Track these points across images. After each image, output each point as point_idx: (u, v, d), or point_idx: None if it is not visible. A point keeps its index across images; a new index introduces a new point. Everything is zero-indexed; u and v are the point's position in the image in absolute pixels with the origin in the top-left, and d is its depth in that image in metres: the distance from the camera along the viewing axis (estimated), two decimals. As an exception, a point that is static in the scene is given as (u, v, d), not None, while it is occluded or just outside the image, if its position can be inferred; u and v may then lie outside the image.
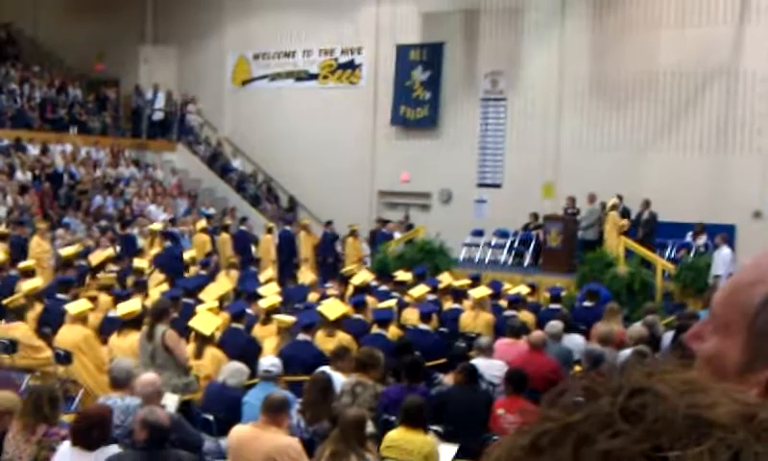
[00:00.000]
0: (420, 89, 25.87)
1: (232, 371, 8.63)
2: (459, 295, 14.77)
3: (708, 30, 21.73)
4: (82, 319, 11.20)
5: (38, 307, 12.65)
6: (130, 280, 15.36)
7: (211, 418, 8.31)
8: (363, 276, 16.16)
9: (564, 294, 16.00)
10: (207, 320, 10.39)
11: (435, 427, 7.96)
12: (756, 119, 21.29)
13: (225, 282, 15.65)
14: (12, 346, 11.15)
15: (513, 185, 24.18)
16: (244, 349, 10.28)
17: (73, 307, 11.40)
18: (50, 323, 11.93)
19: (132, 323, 10.38)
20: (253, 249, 22.08)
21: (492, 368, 9.98)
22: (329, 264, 22.42)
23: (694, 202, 21.08)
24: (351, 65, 27.47)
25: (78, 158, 25.45)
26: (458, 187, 25.23)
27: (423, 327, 12.21)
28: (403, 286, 15.60)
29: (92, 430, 6.04)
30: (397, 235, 22.72)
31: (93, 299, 12.65)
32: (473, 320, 13.37)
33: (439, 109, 25.75)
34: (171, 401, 8.13)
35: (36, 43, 30.58)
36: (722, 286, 1.13)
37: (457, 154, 24.98)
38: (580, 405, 0.80)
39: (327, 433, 6.97)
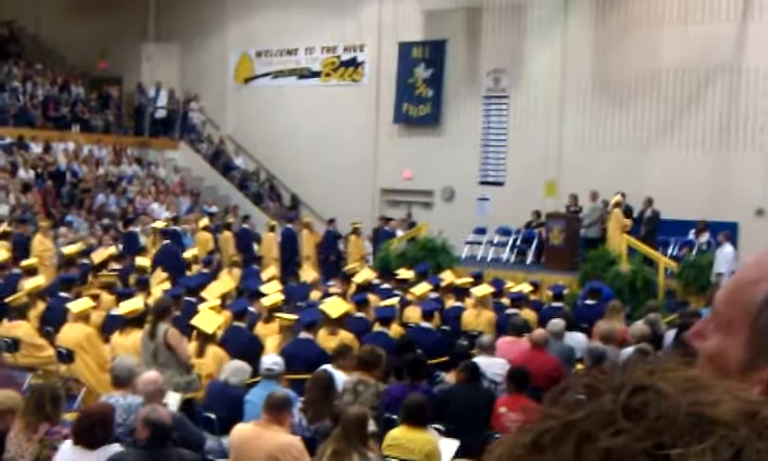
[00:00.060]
0: (422, 87, 25.87)
1: (234, 369, 8.63)
2: (461, 293, 14.78)
3: (710, 27, 21.71)
4: (84, 317, 11.22)
5: (41, 306, 12.67)
6: (132, 279, 15.38)
7: (213, 416, 8.31)
8: (365, 274, 16.18)
9: (566, 292, 16.01)
10: (209, 318, 10.40)
11: (437, 426, 7.95)
12: (759, 116, 21.28)
13: (227, 281, 15.67)
14: (14, 344, 11.18)
15: (515, 183, 24.17)
16: (246, 347, 10.29)
17: (75, 306, 11.42)
18: (52, 321, 11.95)
19: (134, 321, 10.39)
20: (256, 247, 22.09)
21: (493, 366, 9.98)
22: (332, 262, 22.43)
23: (697, 199, 21.07)
24: (354, 63, 27.48)
25: (80, 157, 25.47)
26: (460, 185, 25.23)
27: (425, 325, 12.22)
28: (405, 284, 15.61)
29: (94, 429, 6.05)
30: (400, 233, 22.73)
31: (95, 297, 12.68)
32: (475, 318, 13.37)
33: (441, 106, 25.74)
34: (173, 400, 8.14)
35: (38, 41, 30.60)
36: (724, 284, 1.13)
37: (459, 151, 24.98)
38: (582, 403, 0.80)
39: (329, 432, 6.97)
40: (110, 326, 11.43)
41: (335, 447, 6.43)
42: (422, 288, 14.68)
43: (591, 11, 23.40)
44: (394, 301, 13.57)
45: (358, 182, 26.47)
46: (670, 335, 11.46)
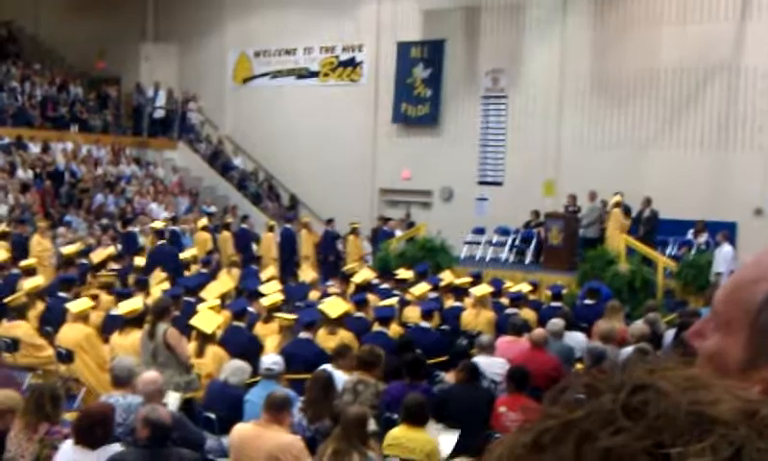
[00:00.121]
0: (421, 87, 25.86)
1: (234, 369, 8.63)
2: (460, 293, 14.77)
3: (709, 26, 21.71)
4: (83, 317, 11.22)
5: (40, 306, 12.67)
6: (131, 279, 15.37)
7: (213, 416, 8.31)
8: (364, 274, 16.16)
9: (565, 292, 16.00)
10: (209, 318, 10.40)
11: (436, 425, 7.95)
12: (758, 116, 21.28)
13: (226, 281, 15.66)
14: (13, 344, 11.17)
15: (514, 183, 24.17)
16: (245, 347, 10.28)
17: (74, 306, 11.41)
18: (51, 321, 11.95)
19: (133, 321, 10.38)
20: (255, 247, 22.09)
21: (493, 366, 9.99)
22: (330, 262, 22.42)
23: (695, 199, 21.07)
24: (352, 63, 27.47)
25: (79, 157, 25.45)
26: (459, 185, 25.23)
27: (425, 324, 12.21)
28: (404, 284, 15.59)
29: (94, 429, 6.05)
30: (399, 233, 22.72)
31: (95, 297, 12.68)
32: (475, 318, 13.37)
33: (440, 106, 25.74)
34: (173, 400, 8.14)
35: (36, 41, 30.59)
36: (723, 284, 1.13)
37: (458, 151, 24.98)
38: (581, 402, 0.80)
39: (329, 431, 6.97)
40: (110, 326, 11.43)
41: (335, 446, 6.43)
42: (422, 288, 14.67)
43: (590, 10, 23.40)
44: (393, 300, 13.56)
45: (357, 182, 26.46)
46: (669, 335, 11.46)
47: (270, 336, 10.94)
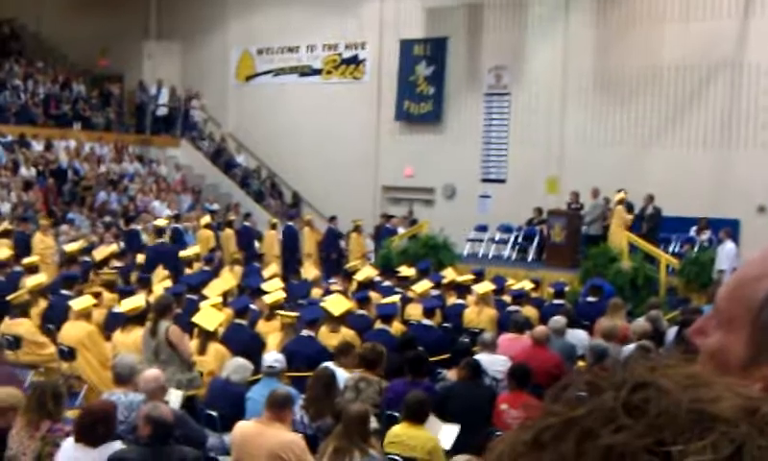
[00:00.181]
0: (423, 84, 25.85)
1: (236, 367, 8.64)
2: (462, 290, 14.78)
3: (712, 24, 21.69)
4: (85, 315, 11.22)
5: (42, 303, 12.68)
6: (133, 276, 15.39)
7: (215, 414, 8.32)
8: (366, 271, 16.17)
9: (567, 289, 16.01)
10: (211, 316, 10.41)
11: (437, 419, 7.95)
12: (761, 113, 21.26)
13: (228, 278, 15.67)
14: (15, 342, 11.18)
15: (516, 180, 24.17)
16: (247, 344, 10.29)
17: (77, 303, 11.42)
18: (54, 319, 11.96)
19: (135, 319, 10.39)
20: (257, 245, 22.09)
21: (495, 363, 9.99)
22: (333, 260, 22.42)
23: (698, 196, 21.06)
24: (355, 60, 27.47)
25: (82, 154, 25.47)
26: (462, 182, 25.23)
27: (427, 322, 12.22)
28: (407, 282, 15.60)
29: (96, 426, 6.05)
30: (401, 231, 22.73)
31: (97, 295, 12.67)
32: (477, 315, 13.38)
33: (443, 103, 25.73)
34: (175, 397, 8.15)
35: (39, 39, 30.61)
36: (726, 281, 1.13)
37: (461, 149, 24.98)
38: (583, 400, 0.80)
39: (331, 429, 6.97)
40: (112, 323, 11.45)
41: (337, 444, 6.43)
42: (424, 285, 14.68)
43: (592, 7, 23.38)
44: (395, 298, 13.57)
45: (359, 180, 26.47)
46: (672, 332, 11.45)
47: (272, 334, 10.95)
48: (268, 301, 12.09)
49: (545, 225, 21.31)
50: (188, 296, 12.46)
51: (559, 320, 11.52)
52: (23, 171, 23.31)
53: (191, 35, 29.70)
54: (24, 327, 11.55)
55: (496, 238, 22.90)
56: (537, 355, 9.87)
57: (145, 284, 13.71)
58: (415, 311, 13.32)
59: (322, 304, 11.69)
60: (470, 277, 15.95)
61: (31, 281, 13.06)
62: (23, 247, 17.40)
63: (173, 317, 9.92)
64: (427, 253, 19.80)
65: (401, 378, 8.70)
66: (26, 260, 15.19)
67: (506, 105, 24.73)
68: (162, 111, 28.92)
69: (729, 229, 18.65)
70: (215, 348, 9.99)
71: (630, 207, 20.06)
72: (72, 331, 10.95)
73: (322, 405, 7.72)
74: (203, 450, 7.18)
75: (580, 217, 20.65)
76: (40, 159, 24.11)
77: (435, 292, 14.72)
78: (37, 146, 24.87)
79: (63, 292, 12.87)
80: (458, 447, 7.38)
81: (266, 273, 16.29)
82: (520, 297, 14.35)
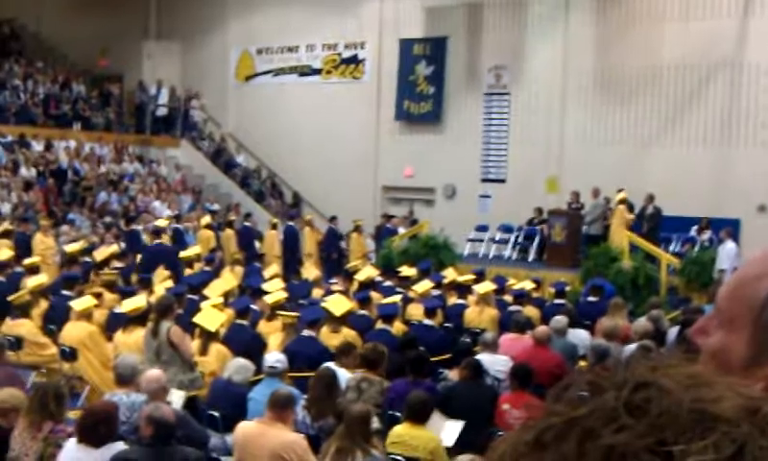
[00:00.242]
0: (423, 84, 25.84)
1: (237, 367, 8.64)
2: (463, 290, 14.77)
3: (711, 23, 21.68)
4: (87, 315, 11.22)
5: (44, 304, 12.68)
6: (134, 277, 15.38)
7: (217, 414, 8.32)
8: (367, 271, 16.17)
9: (568, 289, 15.99)
10: (212, 316, 10.41)
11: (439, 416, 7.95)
12: (761, 112, 21.25)
13: (229, 278, 15.67)
14: (17, 343, 11.18)
15: (517, 180, 24.16)
16: (249, 345, 10.29)
17: (78, 304, 11.42)
18: (55, 319, 11.96)
19: (136, 319, 10.39)
20: (258, 245, 22.08)
21: (496, 363, 9.98)
22: (333, 260, 22.42)
23: (698, 196, 21.05)
24: (355, 60, 27.46)
25: (82, 155, 25.46)
26: (462, 182, 25.22)
27: (428, 322, 12.21)
28: (408, 282, 15.59)
29: (98, 427, 6.05)
30: (402, 231, 22.73)
31: (98, 295, 12.67)
32: (478, 315, 13.37)
33: (442, 103, 25.72)
34: (176, 398, 8.15)
35: (39, 39, 30.60)
36: (727, 281, 1.13)
37: (461, 149, 24.97)
38: (584, 400, 0.80)
39: (333, 429, 6.97)
40: (113, 324, 11.45)
41: (338, 444, 6.43)
42: (425, 285, 14.67)
43: (592, 7, 23.38)
44: (396, 298, 13.56)
45: (359, 180, 26.46)
46: (673, 332, 11.44)
47: (273, 334, 10.95)
48: (269, 301, 12.08)
49: (546, 225, 21.29)
50: (189, 296, 12.47)
51: (560, 320, 11.51)
52: (23, 171, 23.31)
53: (191, 35, 29.70)
54: (25, 327, 11.55)
55: (497, 238, 22.89)
56: (538, 355, 9.87)
57: (146, 285, 13.71)
58: (416, 311, 13.31)
59: (323, 305, 11.67)
60: (471, 277, 15.94)
61: (32, 282, 13.06)
62: (24, 248, 17.40)
63: (174, 317, 9.92)
64: (428, 253, 19.80)
65: (403, 378, 8.70)
66: (27, 261, 15.19)
67: (506, 104, 24.71)
68: (162, 112, 28.92)
69: (729, 228, 18.64)
70: (216, 348, 9.99)
71: (630, 207, 20.06)
72: (73, 332, 10.95)
73: (323, 405, 7.72)
74: (204, 451, 7.18)
75: (580, 217, 20.64)
76: (40, 160, 24.11)
77: (436, 292, 14.71)
78: (37, 146, 24.86)
79: (64, 293, 12.87)
80: (460, 446, 7.38)
81: (267, 273, 16.28)
82: (521, 297, 14.34)
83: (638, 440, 0.74)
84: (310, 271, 18.24)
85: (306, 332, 10.32)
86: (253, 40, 28.91)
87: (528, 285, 15.55)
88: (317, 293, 14.75)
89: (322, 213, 25.54)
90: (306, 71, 28.25)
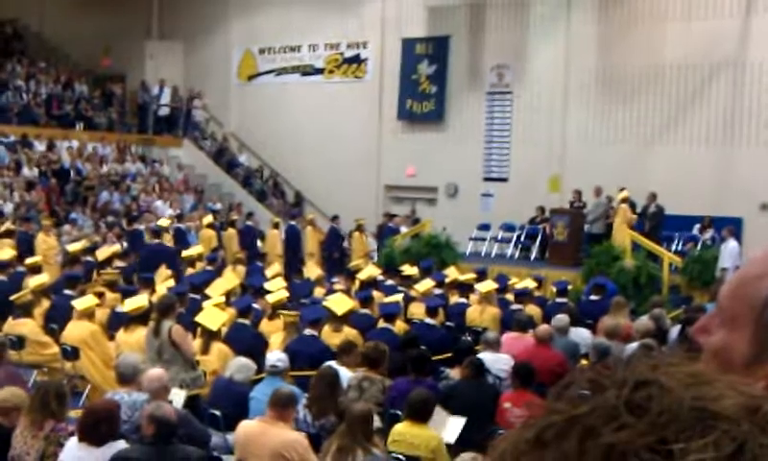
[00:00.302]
0: (425, 83, 25.84)
1: (239, 366, 8.64)
2: (465, 289, 14.78)
3: (714, 23, 21.67)
4: (88, 315, 11.24)
5: (45, 303, 12.70)
6: (136, 276, 15.39)
7: (218, 413, 8.32)
8: (369, 270, 16.17)
9: (570, 288, 15.98)
10: (214, 315, 10.42)
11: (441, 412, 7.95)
12: (763, 111, 21.23)
13: (231, 278, 15.66)
14: (19, 342, 11.19)
15: (519, 179, 24.15)
16: (250, 344, 10.30)
17: (80, 303, 11.43)
18: (57, 319, 11.97)
19: (138, 318, 10.40)
20: (260, 244, 22.10)
21: (498, 362, 9.98)
22: (335, 259, 22.42)
23: (701, 195, 21.05)
24: (357, 60, 27.46)
25: (84, 154, 25.49)
26: (464, 181, 25.22)
27: (430, 321, 12.22)
28: (410, 281, 15.60)
29: (100, 426, 6.06)
30: (404, 230, 22.73)
31: (100, 294, 12.69)
32: (480, 314, 13.37)
33: (445, 102, 25.71)
34: (178, 397, 8.16)
35: (41, 39, 30.63)
36: (729, 279, 1.13)
37: (463, 148, 24.96)
38: (585, 398, 0.80)
39: (334, 428, 6.98)
40: (115, 323, 11.46)
41: (340, 443, 6.44)
42: (426, 284, 14.68)
43: (594, 6, 23.37)
44: (398, 297, 13.57)
45: (362, 179, 26.46)
46: (675, 331, 11.43)
47: (275, 333, 10.96)
48: (271, 300, 12.10)
49: (548, 223, 21.29)
50: (191, 295, 12.49)
51: (562, 318, 11.51)
52: (26, 171, 23.33)
53: (193, 34, 29.71)
54: (27, 327, 11.57)
55: (499, 237, 22.90)
56: (540, 354, 9.87)
57: (148, 284, 13.71)
58: (418, 310, 13.32)
59: (324, 304, 11.68)
60: (473, 275, 15.95)
61: (34, 281, 13.08)
62: (26, 247, 17.43)
63: (176, 316, 9.93)
64: (430, 251, 19.80)
65: (404, 377, 8.70)
66: (29, 260, 15.22)
67: (508, 103, 24.71)
68: (164, 111, 28.94)
69: (732, 227, 18.60)
70: (218, 347, 9.99)
71: (632, 206, 20.05)
72: (75, 331, 10.96)
73: (325, 404, 7.72)
74: (206, 450, 7.18)
75: (582, 215, 20.65)
76: (43, 159, 24.13)
77: (438, 291, 14.71)
78: (40, 146, 24.88)
79: (66, 292, 12.88)
80: (461, 445, 7.38)
81: (269, 272, 16.30)
82: (523, 295, 14.33)
83: (639, 438, 0.74)
84: (312, 270, 18.24)
85: (308, 331, 10.33)
86: (256, 40, 28.92)
87: (530, 284, 15.55)
88: (319, 292, 14.76)
89: (324, 212, 25.54)
90: (309, 71, 28.25)
